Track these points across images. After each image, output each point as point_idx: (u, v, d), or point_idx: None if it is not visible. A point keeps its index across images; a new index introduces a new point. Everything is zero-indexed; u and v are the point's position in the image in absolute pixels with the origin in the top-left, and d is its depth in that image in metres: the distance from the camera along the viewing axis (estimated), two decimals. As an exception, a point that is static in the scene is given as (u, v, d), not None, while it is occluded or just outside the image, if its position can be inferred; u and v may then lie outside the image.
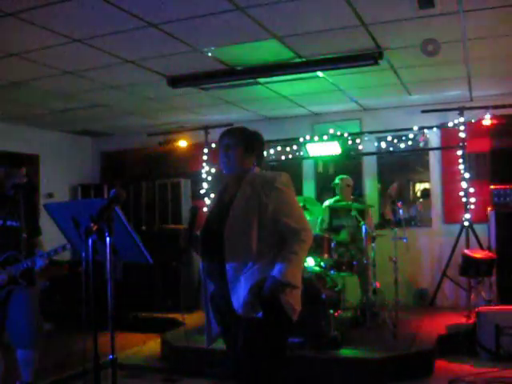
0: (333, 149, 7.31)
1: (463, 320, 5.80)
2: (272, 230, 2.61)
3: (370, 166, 7.53)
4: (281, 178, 2.71)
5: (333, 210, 6.27)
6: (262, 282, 2.51)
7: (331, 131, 7.43)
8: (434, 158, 7.20)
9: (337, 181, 6.31)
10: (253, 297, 2.51)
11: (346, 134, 7.37)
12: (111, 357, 2.28)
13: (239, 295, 2.55)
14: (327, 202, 6.41)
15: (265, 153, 2.98)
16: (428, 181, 7.33)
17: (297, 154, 7.71)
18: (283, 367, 2.70)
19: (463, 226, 6.65)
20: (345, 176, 6.38)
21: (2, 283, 3.60)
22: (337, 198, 6.36)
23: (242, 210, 2.62)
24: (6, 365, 3.81)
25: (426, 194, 7.39)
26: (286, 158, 7.76)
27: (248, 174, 2.77)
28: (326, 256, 5.44)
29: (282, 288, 2.49)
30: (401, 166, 7.51)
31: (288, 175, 2.77)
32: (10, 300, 3.66)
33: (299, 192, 7.61)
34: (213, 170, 7.76)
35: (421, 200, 7.43)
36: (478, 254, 5.92)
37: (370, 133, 7.29)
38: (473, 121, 6.76)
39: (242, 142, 2.80)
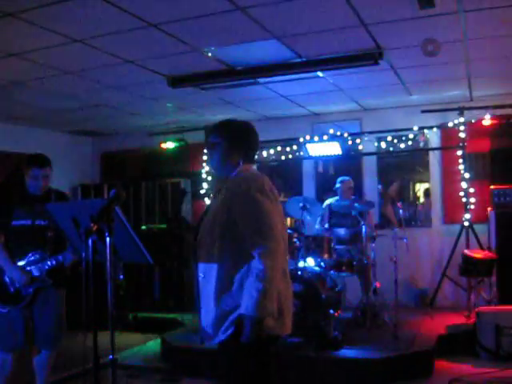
0: (333, 149, 7.31)
1: (463, 320, 5.80)
2: (238, 237, 2.39)
3: (370, 166, 7.53)
4: (253, 183, 2.43)
5: (333, 209, 6.27)
6: (239, 322, 2.35)
7: (331, 131, 7.43)
8: (434, 158, 7.20)
9: (338, 185, 6.30)
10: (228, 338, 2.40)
11: (345, 134, 7.37)
12: (111, 357, 2.28)
13: (208, 312, 2.46)
14: (328, 201, 6.41)
15: (257, 147, 2.66)
16: (428, 181, 7.33)
17: (297, 154, 7.72)
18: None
19: (463, 226, 6.65)
20: (345, 178, 6.35)
21: (24, 282, 3.61)
22: (337, 197, 6.35)
23: (213, 214, 2.50)
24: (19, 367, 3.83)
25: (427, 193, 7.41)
26: (286, 158, 7.77)
27: (231, 175, 2.56)
28: (326, 256, 5.45)
29: (258, 325, 2.31)
30: (401, 166, 7.51)
31: (266, 180, 2.49)
32: (36, 299, 3.68)
33: (299, 192, 7.62)
34: (213, 171, 7.76)
35: (423, 200, 7.44)
36: (478, 254, 5.92)
37: (370, 133, 7.30)
38: (473, 121, 6.76)
39: (226, 140, 2.56)
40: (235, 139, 2.57)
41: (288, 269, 2.60)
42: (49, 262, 3.65)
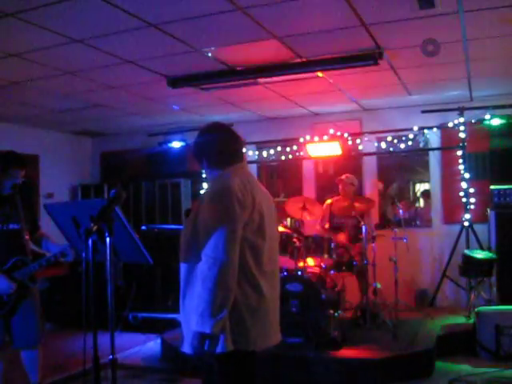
0: (333, 149, 7.31)
1: (463, 320, 5.80)
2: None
3: (370, 166, 7.53)
4: (213, 190, 2.47)
5: (333, 210, 6.27)
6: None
7: (331, 131, 7.44)
8: (433, 159, 7.20)
9: (342, 177, 6.30)
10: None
11: (345, 134, 7.37)
12: (111, 357, 2.28)
13: (185, 326, 2.48)
14: (328, 201, 6.41)
15: (230, 146, 2.62)
16: (428, 181, 7.33)
17: (297, 154, 7.72)
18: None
19: (463, 226, 6.65)
20: (350, 175, 6.36)
21: (12, 291, 3.54)
22: (339, 197, 6.35)
23: (190, 217, 2.53)
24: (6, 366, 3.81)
25: (426, 194, 7.40)
26: (286, 158, 7.77)
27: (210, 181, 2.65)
28: (325, 256, 5.45)
29: (203, 340, 2.28)
30: (401, 166, 7.51)
31: (236, 183, 2.40)
32: (19, 304, 3.61)
33: (299, 192, 7.62)
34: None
35: (421, 204, 7.45)
36: (478, 254, 5.92)
37: (370, 133, 7.30)
38: (473, 121, 6.77)
39: (200, 158, 2.65)
40: (204, 154, 2.62)
41: (264, 281, 2.46)
42: (31, 267, 3.57)
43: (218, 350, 2.31)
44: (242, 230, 2.37)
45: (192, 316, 2.33)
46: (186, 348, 2.44)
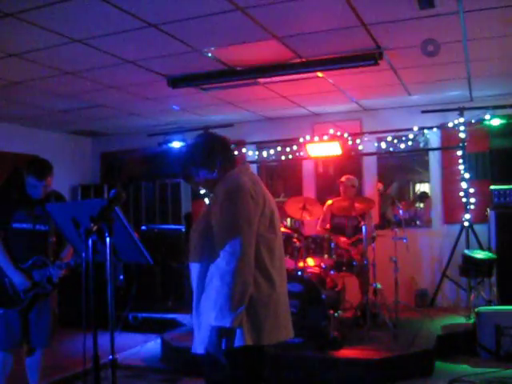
0: (333, 149, 7.31)
1: (463, 320, 5.80)
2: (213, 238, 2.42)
3: (369, 166, 7.53)
4: (227, 188, 2.46)
5: (333, 210, 6.27)
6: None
7: (331, 131, 7.44)
8: (433, 159, 7.20)
9: (342, 179, 6.31)
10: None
11: (345, 134, 7.37)
12: (111, 357, 2.28)
13: (199, 330, 2.46)
14: (329, 201, 6.40)
15: (226, 150, 2.63)
16: (428, 181, 7.33)
17: (297, 154, 7.72)
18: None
19: (463, 227, 6.65)
20: (351, 176, 6.37)
21: (26, 289, 3.61)
22: (339, 197, 6.34)
23: (202, 216, 2.56)
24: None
25: (423, 196, 7.39)
26: (286, 158, 7.77)
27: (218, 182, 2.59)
28: (326, 256, 5.45)
29: (221, 336, 2.28)
30: (401, 167, 7.51)
31: (245, 181, 2.45)
32: (34, 303, 3.68)
33: (299, 192, 7.62)
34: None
35: (420, 205, 7.44)
36: (478, 255, 5.92)
37: (370, 133, 7.30)
38: (473, 121, 6.77)
39: (197, 166, 2.59)
40: (203, 161, 2.57)
41: (276, 275, 2.48)
42: (51, 270, 3.64)
43: (236, 344, 2.32)
44: (256, 226, 2.41)
45: (209, 313, 2.33)
46: (199, 348, 2.43)
